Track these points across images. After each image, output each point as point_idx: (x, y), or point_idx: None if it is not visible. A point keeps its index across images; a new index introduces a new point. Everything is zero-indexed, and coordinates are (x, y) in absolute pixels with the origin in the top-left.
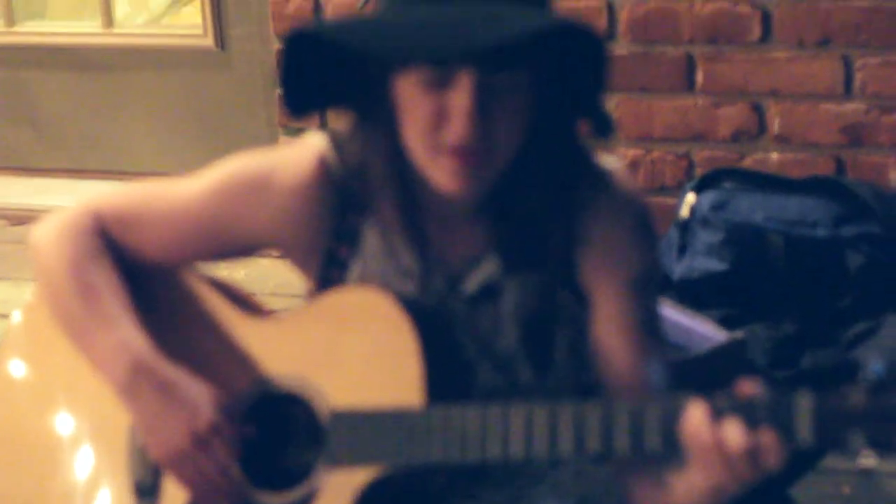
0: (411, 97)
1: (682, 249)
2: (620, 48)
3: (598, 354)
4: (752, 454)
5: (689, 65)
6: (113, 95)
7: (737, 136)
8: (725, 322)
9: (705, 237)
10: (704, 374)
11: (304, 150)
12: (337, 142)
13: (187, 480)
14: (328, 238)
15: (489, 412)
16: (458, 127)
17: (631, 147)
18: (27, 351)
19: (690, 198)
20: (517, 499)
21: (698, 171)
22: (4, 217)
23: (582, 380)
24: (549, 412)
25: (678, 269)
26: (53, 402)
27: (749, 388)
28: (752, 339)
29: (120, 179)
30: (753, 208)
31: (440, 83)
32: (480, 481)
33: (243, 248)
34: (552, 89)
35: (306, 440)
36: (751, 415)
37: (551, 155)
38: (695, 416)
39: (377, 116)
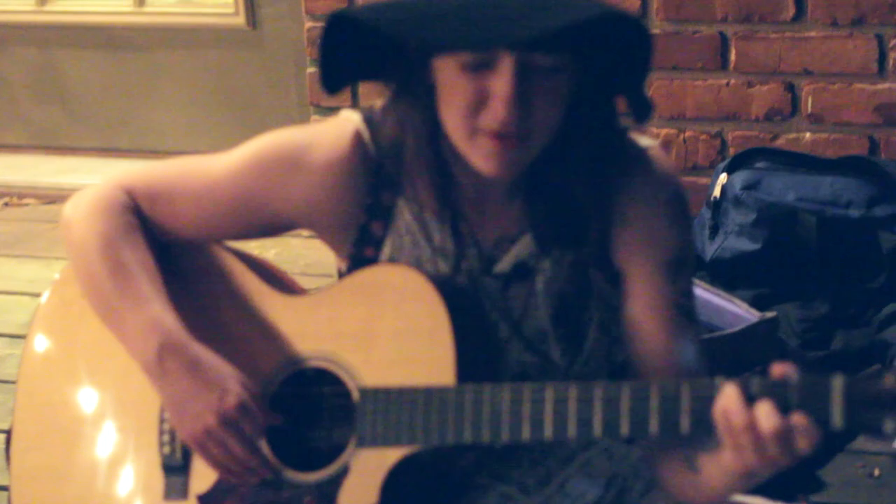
0: (451, 79)
1: (715, 229)
2: (653, 27)
3: (632, 335)
4: (785, 438)
5: (723, 44)
6: (143, 74)
7: (770, 116)
8: (757, 302)
9: (737, 217)
10: (736, 353)
11: (339, 127)
12: (371, 119)
13: (215, 460)
14: (361, 215)
15: (521, 392)
16: (497, 111)
17: (664, 126)
18: (58, 326)
19: (722, 177)
20: (547, 479)
21: (731, 151)
22: (35, 196)
23: (613, 360)
24: (581, 393)
25: (710, 249)
26: (84, 378)
27: (782, 370)
28: (784, 319)
29: (150, 159)
30: (786, 188)
31: (480, 66)
32: (510, 461)
33: (276, 226)
34: (593, 73)
35: (338, 418)
36: (783, 398)
37: (589, 135)
38: (728, 398)
39: (414, 95)
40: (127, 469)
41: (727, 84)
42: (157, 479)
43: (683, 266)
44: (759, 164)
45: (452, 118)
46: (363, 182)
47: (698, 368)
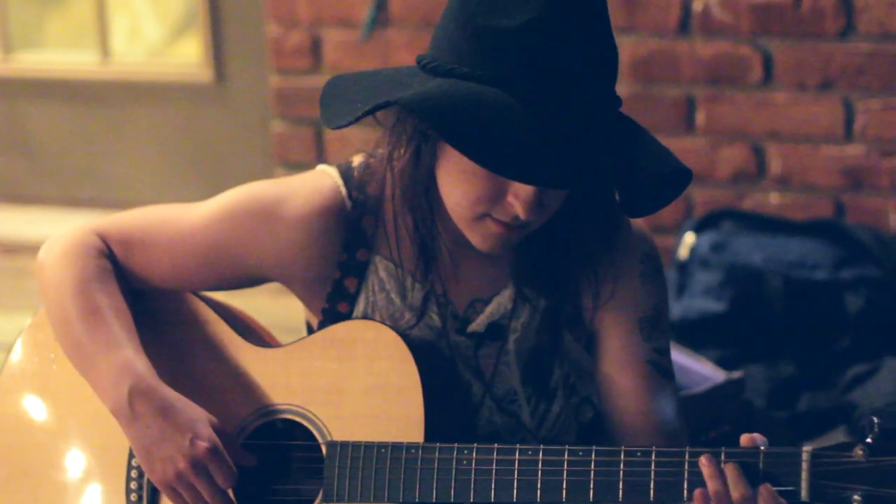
0: (468, 165)
1: (681, 290)
2: (621, 87)
3: (607, 394)
4: None
5: (690, 105)
6: (109, 127)
7: (737, 178)
8: (723, 363)
9: (704, 278)
10: (702, 413)
11: (315, 181)
12: (348, 174)
13: None
14: (335, 270)
15: (490, 452)
16: (516, 211)
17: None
18: (30, 370)
19: (690, 238)
20: None
21: (697, 212)
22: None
23: (580, 420)
24: (549, 456)
25: (677, 309)
26: (54, 421)
27: (751, 439)
28: (750, 379)
29: (114, 210)
30: (753, 250)
31: None
32: None
33: (249, 278)
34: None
35: (306, 471)
36: (752, 468)
37: (586, 213)
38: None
39: (417, 159)
40: None
41: (694, 146)
42: None
43: (658, 324)
44: (726, 226)
45: (459, 198)
46: (338, 237)
47: (677, 427)
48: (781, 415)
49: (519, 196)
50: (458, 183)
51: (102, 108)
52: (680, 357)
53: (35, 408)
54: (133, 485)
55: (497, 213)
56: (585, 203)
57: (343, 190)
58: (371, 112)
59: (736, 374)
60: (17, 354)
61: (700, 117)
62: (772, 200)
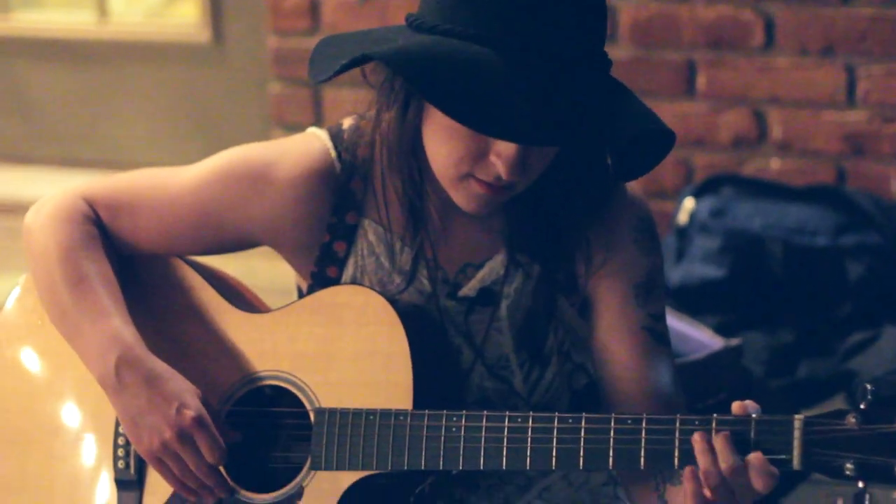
0: (451, 124)
1: (680, 255)
2: (621, 51)
3: (603, 361)
4: (742, 477)
5: (691, 70)
6: (106, 88)
7: (737, 143)
8: (722, 329)
9: (703, 243)
10: (699, 381)
11: (304, 144)
12: (338, 137)
13: (170, 475)
14: (324, 234)
15: (479, 419)
16: (498, 170)
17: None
18: (17, 335)
19: (689, 203)
20: None
21: (698, 177)
22: None
23: (573, 387)
24: (539, 424)
25: (675, 275)
26: (41, 388)
27: (743, 406)
28: (749, 347)
29: (111, 171)
30: (752, 215)
31: None
32: (468, 487)
33: (238, 242)
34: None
35: (294, 438)
36: (743, 437)
37: (576, 174)
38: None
39: (402, 118)
40: (81, 483)
41: (695, 110)
42: (111, 494)
43: (653, 289)
44: (726, 191)
45: (443, 158)
46: (327, 201)
47: (673, 393)
48: (780, 382)
49: (501, 155)
50: (441, 142)
51: (100, 68)
52: (678, 324)
53: (23, 374)
54: (120, 451)
55: (480, 173)
56: (576, 166)
57: (332, 152)
58: (349, 66)
59: (734, 342)
60: (4, 320)
61: (701, 81)
62: (772, 166)
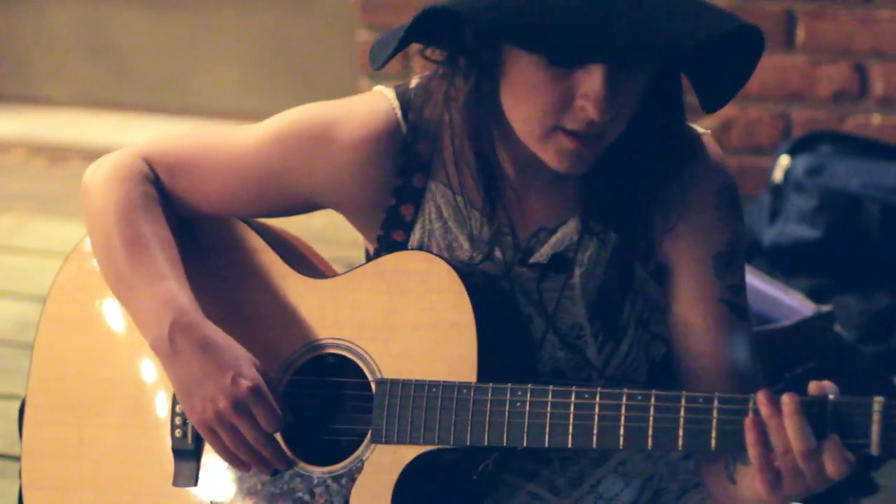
0: (531, 73)
1: (774, 214)
2: (718, 0)
3: (678, 333)
4: (816, 461)
5: (790, 21)
6: (194, 34)
7: (837, 98)
8: (816, 292)
9: (798, 202)
10: (788, 348)
11: (370, 104)
12: (406, 97)
13: (224, 447)
14: (390, 197)
15: (545, 394)
16: (587, 113)
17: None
18: (76, 297)
19: (784, 161)
20: (579, 479)
21: (796, 133)
22: (80, 154)
23: (651, 357)
24: (607, 400)
25: (769, 234)
26: (99, 353)
27: (820, 387)
28: (844, 311)
29: (198, 119)
30: (850, 174)
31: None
32: (540, 460)
33: (300, 204)
34: (679, 69)
35: (355, 409)
36: (819, 419)
37: (657, 125)
38: (756, 415)
39: (478, 78)
40: (138, 451)
41: (794, 63)
42: (167, 463)
43: (733, 260)
44: (824, 148)
45: (527, 114)
46: (393, 163)
47: (750, 370)
48: (875, 349)
49: (588, 96)
50: (523, 99)
51: (188, 14)
52: (767, 288)
53: (82, 338)
54: (178, 420)
55: (568, 123)
56: (653, 121)
57: (398, 113)
58: (412, 36)
59: (825, 308)
60: (62, 282)
61: (800, 33)
62: (873, 122)
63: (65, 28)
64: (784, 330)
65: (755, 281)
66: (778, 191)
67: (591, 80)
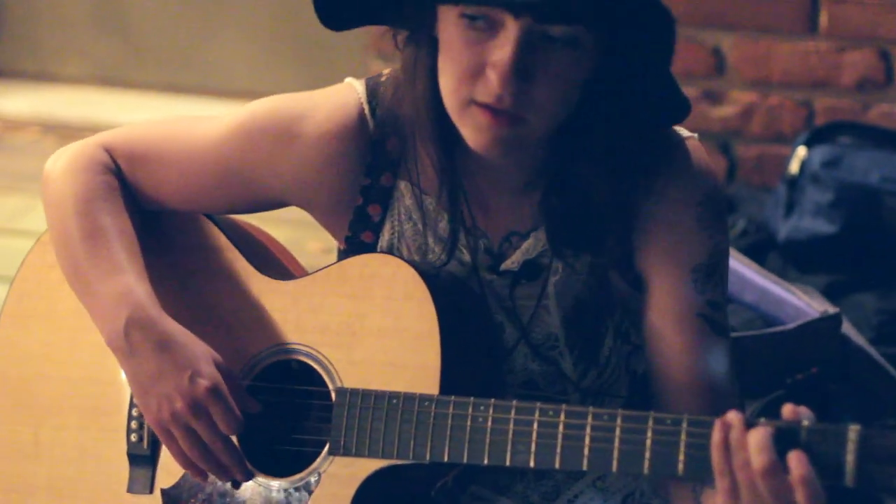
0: (451, 37)
1: (790, 208)
2: None
3: (652, 347)
4: (781, 486)
5: (813, 5)
6: (208, 11)
7: (862, 85)
8: (831, 289)
9: (814, 196)
10: (793, 352)
11: (338, 97)
12: (376, 90)
13: (180, 450)
14: (357, 196)
15: (508, 411)
16: (493, 84)
17: (746, 91)
18: (37, 291)
19: (801, 152)
20: (554, 494)
21: (818, 121)
22: (93, 133)
23: (633, 370)
24: (571, 419)
25: (784, 228)
26: (59, 350)
27: (795, 410)
28: (860, 310)
29: (212, 97)
30: (869, 167)
31: (482, 26)
32: (513, 473)
33: (264, 201)
34: (615, 56)
35: (315, 418)
36: (788, 443)
37: (614, 126)
38: (721, 432)
39: (417, 48)
40: (94, 455)
41: (816, 49)
42: (122, 468)
43: (713, 273)
44: (843, 140)
45: (447, 83)
46: (360, 160)
47: (727, 387)
48: (891, 350)
49: (496, 65)
50: (445, 69)
51: None
52: (774, 287)
53: (41, 335)
54: (134, 424)
55: (479, 94)
56: (611, 111)
57: (366, 107)
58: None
59: (832, 310)
60: (24, 276)
61: (823, 18)
62: None
63: (78, 5)
64: (787, 333)
65: (761, 280)
66: (794, 183)
67: (502, 49)
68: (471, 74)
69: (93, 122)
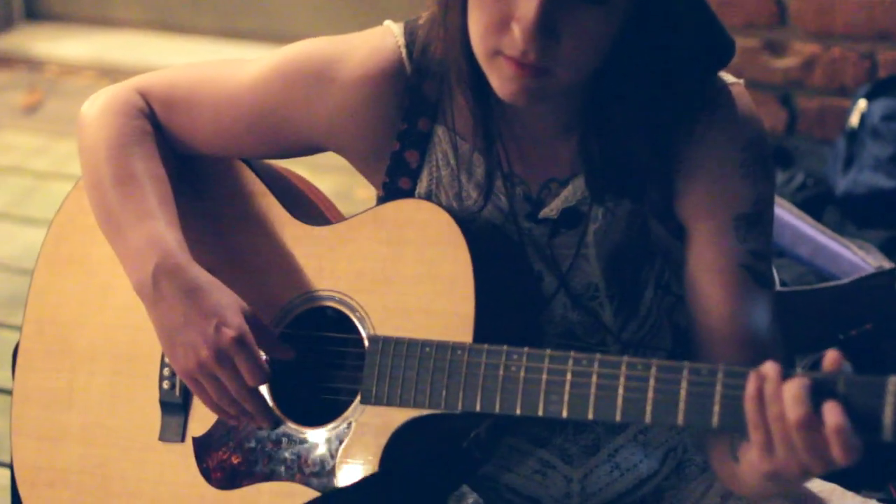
0: None
1: (849, 162)
2: None
3: (693, 298)
4: (815, 438)
5: None
6: None
7: None
8: (889, 244)
9: (874, 150)
10: (846, 307)
11: (375, 41)
12: (414, 33)
13: (208, 398)
14: (395, 142)
15: (541, 359)
16: (517, 39)
17: (808, 42)
18: (73, 238)
19: (862, 105)
20: (594, 448)
21: (882, 74)
22: None
23: (676, 322)
24: (604, 369)
25: (843, 182)
26: (93, 298)
27: (836, 360)
28: None
29: (271, 43)
30: None
31: None
32: (553, 425)
33: (300, 145)
34: (647, 8)
35: (348, 366)
36: (824, 395)
37: (650, 73)
38: (755, 383)
39: (445, 8)
40: (127, 402)
41: (881, 0)
42: (155, 416)
43: (757, 223)
44: None
45: (475, 30)
46: (397, 105)
47: (769, 340)
48: None
49: (521, 19)
50: (472, 16)
51: None
52: (829, 241)
53: (77, 281)
54: (166, 371)
55: (506, 47)
56: (651, 71)
57: (404, 51)
58: None
59: (888, 265)
60: (61, 220)
61: None
62: None
63: None
64: (841, 288)
65: (815, 234)
66: (853, 136)
67: (527, 3)
68: (497, 26)
69: (149, 66)
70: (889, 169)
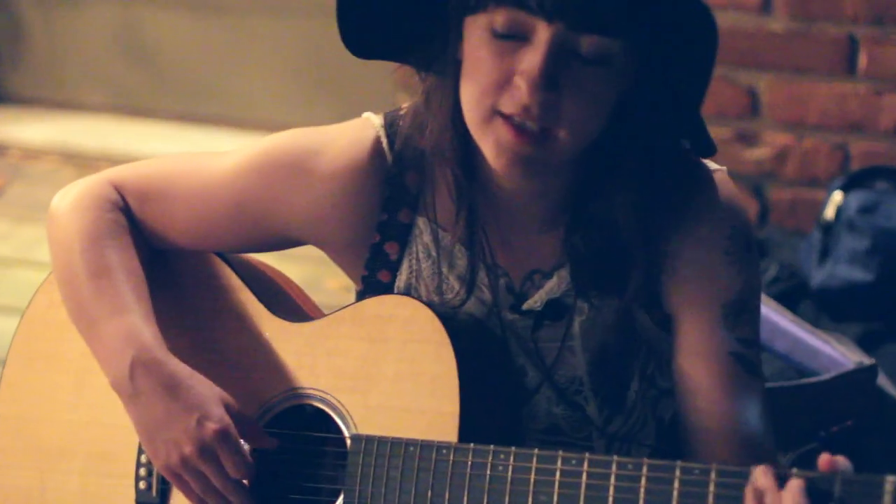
0: (477, 48)
1: (824, 254)
2: (776, 23)
3: (683, 390)
4: None
5: (852, 46)
6: (234, 41)
7: None
8: (866, 339)
9: (850, 243)
10: (825, 404)
11: (355, 132)
12: (394, 124)
13: (191, 494)
14: (374, 233)
15: (529, 459)
16: (521, 92)
17: (780, 132)
18: (44, 333)
19: (837, 197)
20: None
21: (854, 166)
22: (112, 163)
23: (660, 416)
24: (595, 468)
25: (818, 275)
26: (66, 394)
27: (832, 461)
28: (895, 361)
29: (236, 129)
30: None
31: (513, 34)
32: None
33: (278, 239)
34: (647, 78)
35: (329, 465)
36: (822, 497)
37: (638, 157)
38: (754, 501)
39: (439, 72)
40: (101, 502)
41: (854, 91)
42: None
43: (745, 310)
44: (880, 185)
45: (471, 95)
46: (377, 196)
47: (760, 432)
48: None
49: (525, 72)
50: (470, 79)
51: (227, 19)
52: (807, 336)
53: (49, 377)
54: (143, 471)
55: (505, 104)
56: (639, 141)
57: (384, 141)
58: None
59: (867, 361)
60: (31, 315)
61: (862, 60)
62: None
63: (101, 32)
64: (821, 385)
65: (793, 328)
66: (829, 229)
67: (531, 57)
68: (497, 84)
69: (113, 151)
70: (865, 262)
